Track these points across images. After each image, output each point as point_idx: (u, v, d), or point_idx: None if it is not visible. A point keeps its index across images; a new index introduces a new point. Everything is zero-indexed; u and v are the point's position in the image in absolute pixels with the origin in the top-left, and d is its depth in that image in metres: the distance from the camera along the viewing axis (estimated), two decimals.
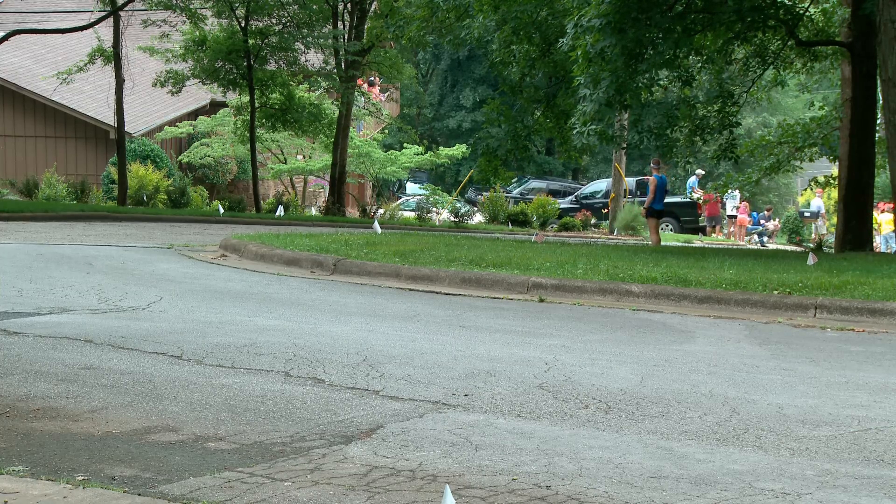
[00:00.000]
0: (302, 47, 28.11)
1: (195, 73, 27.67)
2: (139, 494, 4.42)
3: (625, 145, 26.35)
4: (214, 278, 12.39)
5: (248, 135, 29.01)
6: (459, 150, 35.04)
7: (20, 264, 12.62)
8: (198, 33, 27.22)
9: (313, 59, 29.56)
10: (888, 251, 30.01)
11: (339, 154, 29.84)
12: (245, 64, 27.46)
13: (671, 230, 35.15)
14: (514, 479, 4.77)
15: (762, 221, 40.89)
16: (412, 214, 32.30)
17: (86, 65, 26.57)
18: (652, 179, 22.41)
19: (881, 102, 17.47)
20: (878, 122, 19.49)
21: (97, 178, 31.71)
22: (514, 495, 4.54)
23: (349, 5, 29.49)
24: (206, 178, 35.12)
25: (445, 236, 18.50)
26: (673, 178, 47.83)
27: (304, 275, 13.07)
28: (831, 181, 24.88)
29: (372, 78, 36.97)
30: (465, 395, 6.45)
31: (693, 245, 26.63)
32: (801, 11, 20.84)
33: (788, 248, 30.54)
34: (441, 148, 38.81)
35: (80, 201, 28.20)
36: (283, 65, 28.35)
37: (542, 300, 11.39)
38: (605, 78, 16.21)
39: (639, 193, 36.12)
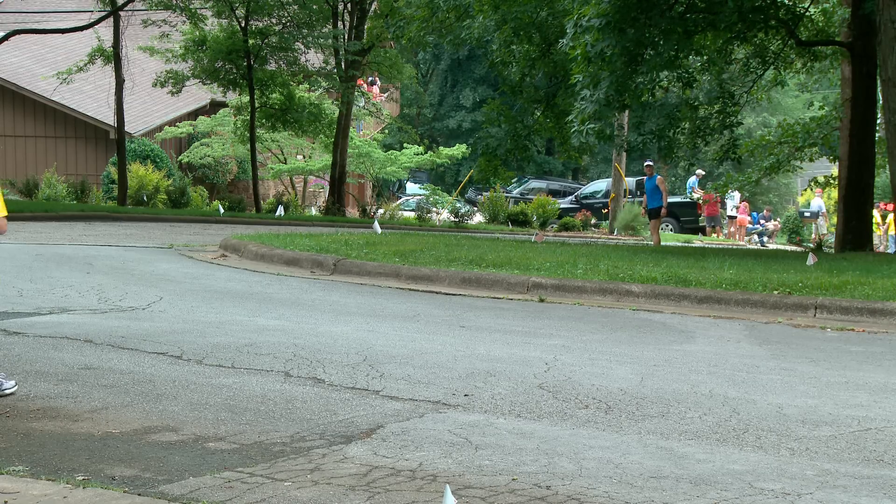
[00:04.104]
0: (302, 47, 28.10)
1: (195, 73, 27.66)
2: (139, 494, 4.42)
3: (626, 148, 26.36)
4: (214, 278, 12.39)
5: (248, 135, 29.00)
6: (459, 150, 35.03)
7: (20, 264, 12.62)
8: (198, 33, 27.20)
9: (313, 59, 29.54)
10: None
11: (339, 154, 29.83)
12: (245, 64, 27.46)
13: (671, 230, 35.14)
14: (514, 479, 4.77)
15: (762, 221, 40.88)
16: (412, 214, 32.28)
17: (86, 65, 26.55)
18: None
19: (881, 102, 17.47)
20: (878, 122, 19.48)
21: (97, 178, 31.70)
22: (515, 495, 4.55)
23: (349, 5, 29.47)
24: (206, 178, 35.11)
25: (445, 236, 18.50)
26: (673, 178, 47.81)
27: (304, 275, 13.07)
28: (831, 181, 24.86)
29: (372, 78, 36.94)
30: (465, 395, 6.45)
31: (693, 245, 26.63)
32: (802, 11, 20.83)
33: (788, 248, 30.53)
34: (441, 148, 38.79)
35: (80, 201, 28.20)
36: (283, 65, 28.33)
37: (542, 300, 11.39)
38: (604, 78, 16.20)
39: (639, 193, 36.09)
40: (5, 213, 6.42)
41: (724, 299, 11.11)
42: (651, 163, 23.08)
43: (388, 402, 6.22)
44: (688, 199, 38.10)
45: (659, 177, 22.72)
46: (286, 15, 27.89)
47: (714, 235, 36.87)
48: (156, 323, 8.80)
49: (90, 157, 33.26)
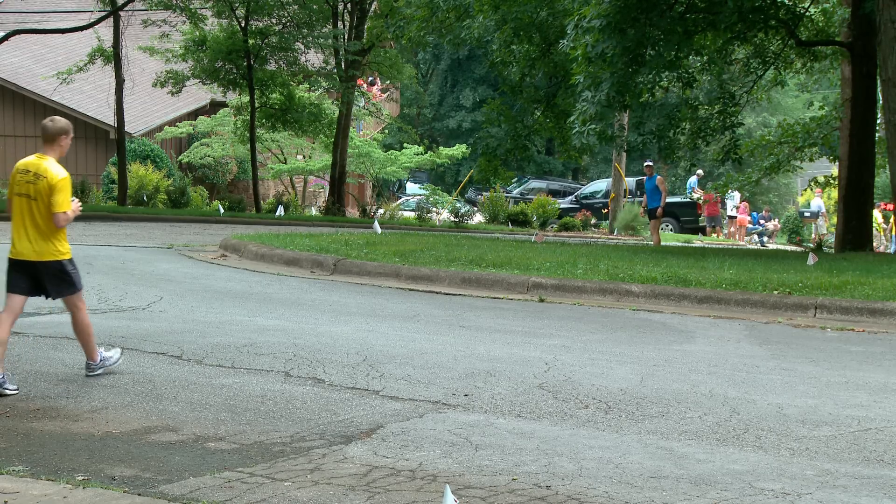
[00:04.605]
0: (302, 47, 28.08)
1: (195, 73, 27.64)
2: (139, 494, 4.42)
3: (626, 148, 26.35)
4: (214, 278, 12.39)
5: (248, 135, 28.99)
6: (459, 150, 35.01)
7: None
8: (198, 33, 27.19)
9: (313, 59, 29.52)
10: None
11: (339, 154, 29.82)
12: (245, 64, 27.45)
13: (671, 230, 35.13)
14: (514, 479, 4.77)
15: (761, 221, 40.88)
16: (412, 214, 32.26)
17: (86, 65, 26.54)
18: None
19: (881, 102, 17.46)
20: (878, 122, 19.47)
21: (97, 178, 31.69)
22: (515, 495, 4.55)
23: (349, 5, 29.46)
24: (206, 178, 35.10)
25: (445, 236, 18.50)
26: (673, 179, 47.80)
27: (304, 275, 13.07)
28: (831, 181, 24.85)
29: (372, 78, 36.94)
30: (466, 395, 6.45)
31: (693, 245, 26.63)
32: (802, 11, 20.83)
33: (788, 248, 30.53)
34: (441, 148, 38.77)
35: (79, 201, 28.16)
36: (283, 65, 28.32)
37: (542, 300, 11.39)
38: (605, 79, 16.20)
39: (639, 193, 36.11)
40: (69, 209, 6.62)
41: (724, 299, 11.11)
42: (651, 163, 23.06)
43: (388, 402, 6.22)
44: (688, 199, 38.09)
45: (659, 177, 22.69)
46: (286, 15, 27.88)
47: (714, 235, 36.88)
48: (156, 323, 8.80)
49: (90, 157, 33.25)
